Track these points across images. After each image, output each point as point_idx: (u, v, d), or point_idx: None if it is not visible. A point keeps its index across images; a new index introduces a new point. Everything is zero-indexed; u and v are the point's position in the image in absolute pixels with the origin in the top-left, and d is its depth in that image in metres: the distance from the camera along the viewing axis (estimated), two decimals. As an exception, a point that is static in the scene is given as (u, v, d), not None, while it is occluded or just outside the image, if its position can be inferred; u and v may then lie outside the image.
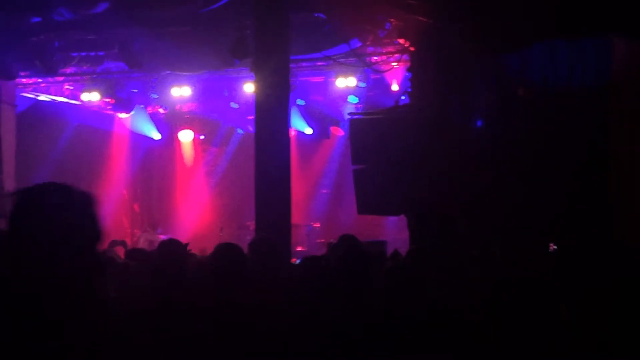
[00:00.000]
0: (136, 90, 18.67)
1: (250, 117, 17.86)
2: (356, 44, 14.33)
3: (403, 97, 13.86)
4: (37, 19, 13.85)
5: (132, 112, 19.64)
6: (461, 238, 11.61)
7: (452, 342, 4.89)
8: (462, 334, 4.92)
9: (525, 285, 4.56)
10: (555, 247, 10.87)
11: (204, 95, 18.79)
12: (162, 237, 16.63)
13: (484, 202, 11.93)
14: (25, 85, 18.09)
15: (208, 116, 20.84)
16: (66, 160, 19.62)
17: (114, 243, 12.12)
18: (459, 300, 5.65)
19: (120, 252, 10.78)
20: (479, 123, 12.44)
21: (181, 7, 13.28)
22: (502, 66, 12.12)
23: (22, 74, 16.66)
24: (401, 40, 14.26)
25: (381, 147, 12.69)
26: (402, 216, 13.49)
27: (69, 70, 16.88)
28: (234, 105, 18.98)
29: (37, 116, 18.70)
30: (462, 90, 12.25)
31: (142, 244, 17.48)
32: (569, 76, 11.59)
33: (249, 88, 16.72)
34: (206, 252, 13.17)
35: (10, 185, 17.10)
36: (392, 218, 16.16)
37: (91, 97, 18.31)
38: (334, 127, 19.51)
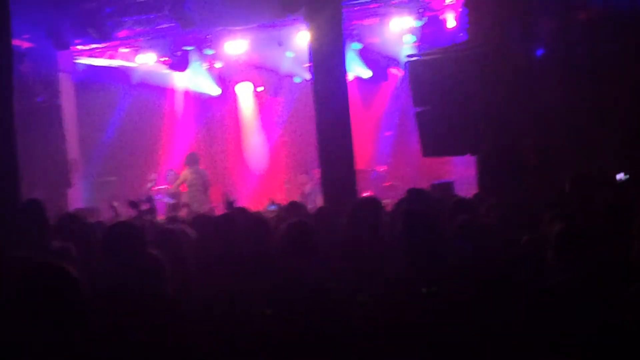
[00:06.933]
0: (191, 48, 18.57)
1: (307, 65, 17.71)
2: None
3: (461, 34, 13.59)
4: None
5: (189, 70, 19.56)
6: (533, 172, 11.43)
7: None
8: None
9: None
10: (623, 176, 10.56)
11: (259, 46, 18.67)
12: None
13: (552, 132, 11.70)
14: (80, 52, 18.14)
15: (265, 67, 20.67)
16: (128, 124, 19.70)
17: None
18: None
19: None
20: (540, 52, 12.14)
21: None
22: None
23: (76, 41, 16.72)
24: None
25: (442, 87, 12.48)
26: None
27: (122, 34, 16.87)
28: (289, 54, 18.82)
29: (94, 82, 18.76)
30: (522, 20, 11.95)
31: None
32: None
33: (303, 37, 16.54)
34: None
35: (74, 152, 17.26)
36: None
37: (147, 58, 18.43)
38: (393, 67, 19.20)
